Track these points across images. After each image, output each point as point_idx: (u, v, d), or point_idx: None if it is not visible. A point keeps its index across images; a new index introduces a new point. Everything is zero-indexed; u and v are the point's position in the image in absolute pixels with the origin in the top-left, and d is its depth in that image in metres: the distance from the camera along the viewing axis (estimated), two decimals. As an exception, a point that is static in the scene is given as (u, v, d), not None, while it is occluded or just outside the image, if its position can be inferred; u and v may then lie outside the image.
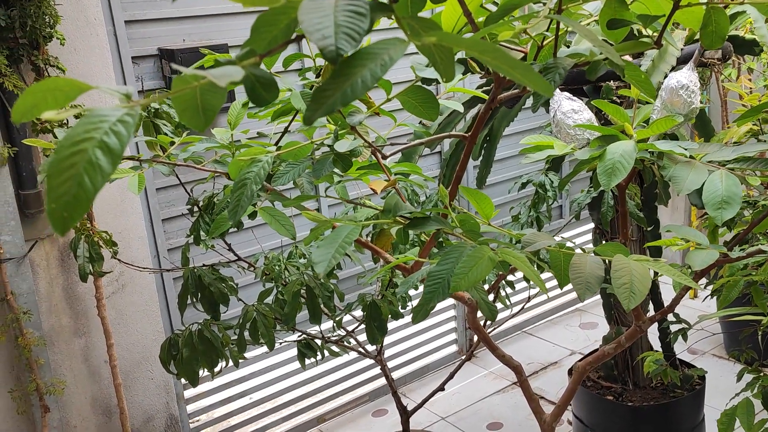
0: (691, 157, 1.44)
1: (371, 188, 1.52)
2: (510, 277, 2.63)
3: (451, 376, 2.51)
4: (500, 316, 4.18)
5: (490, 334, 3.95)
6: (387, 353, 3.69)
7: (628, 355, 2.65)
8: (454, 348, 3.97)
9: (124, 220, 2.53)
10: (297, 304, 1.71)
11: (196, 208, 1.99)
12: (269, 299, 2.10)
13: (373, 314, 1.73)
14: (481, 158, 2.64)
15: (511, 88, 1.19)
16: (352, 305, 1.93)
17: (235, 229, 2.12)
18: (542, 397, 3.54)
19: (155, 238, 2.74)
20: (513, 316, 3.39)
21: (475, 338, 4.06)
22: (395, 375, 3.73)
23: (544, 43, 1.16)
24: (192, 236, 2.23)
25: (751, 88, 2.27)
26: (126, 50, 2.60)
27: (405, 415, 2.36)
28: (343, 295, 1.86)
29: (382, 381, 3.70)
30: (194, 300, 1.81)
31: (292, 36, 0.68)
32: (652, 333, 2.72)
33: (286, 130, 1.47)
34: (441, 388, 2.50)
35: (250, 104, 1.48)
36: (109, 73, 2.46)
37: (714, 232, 1.96)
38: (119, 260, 2.23)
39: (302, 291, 1.71)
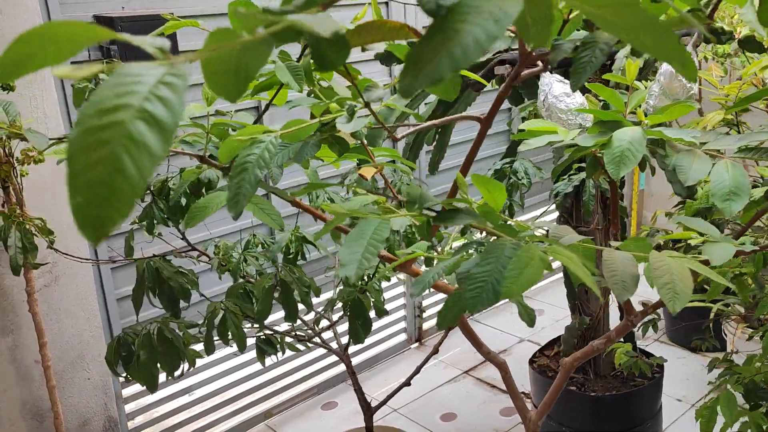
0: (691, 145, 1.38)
1: (360, 174, 1.39)
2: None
3: (417, 371, 2.42)
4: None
5: (429, 324, 3.86)
6: (333, 344, 3.56)
7: (590, 345, 2.63)
8: (403, 337, 3.89)
9: (57, 205, 2.28)
10: (270, 300, 1.55)
11: (148, 193, 1.79)
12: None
13: (356, 311, 1.60)
14: (434, 143, 2.54)
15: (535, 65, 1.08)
16: (334, 301, 1.79)
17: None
18: (494, 386, 3.52)
19: (91, 225, 2.49)
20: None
21: (425, 327, 4.00)
22: (344, 366, 3.61)
23: (570, 16, 1.06)
24: (137, 224, 2.03)
25: (721, 76, 2.27)
26: (57, 16, 2.33)
27: (369, 412, 2.25)
28: (319, 290, 1.71)
29: (331, 373, 3.57)
30: (150, 296, 1.62)
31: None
32: (609, 323, 2.71)
33: (267, 107, 1.31)
34: (407, 383, 2.40)
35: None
36: (40, 40, 2.19)
37: (691, 223, 1.93)
38: (56, 250, 2.00)
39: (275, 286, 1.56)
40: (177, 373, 1.61)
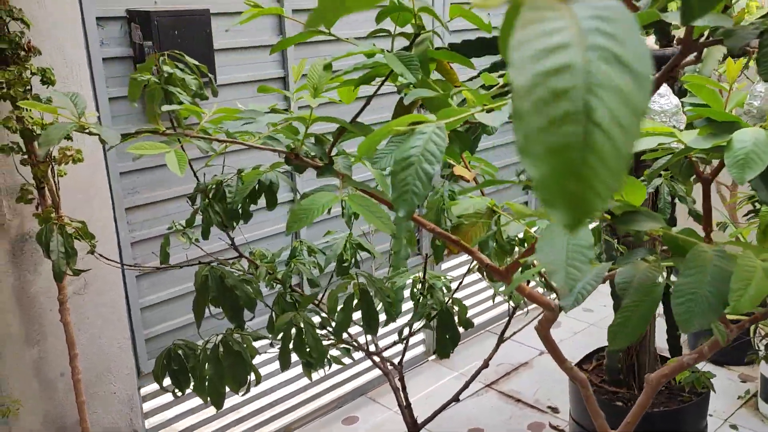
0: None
1: (459, 175, 1.30)
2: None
3: (466, 386, 2.31)
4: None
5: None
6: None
7: (635, 359, 2.56)
8: (421, 348, 3.78)
9: (90, 208, 2.15)
10: (350, 311, 1.45)
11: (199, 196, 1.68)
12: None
13: (445, 322, 1.50)
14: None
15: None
16: (423, 313, 1.68)
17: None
18: (519, 400, 3.42)
19: (118, 230, 2.36)
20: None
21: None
22: (365, 378, 3.50)
23: None
24: (178, 228, 1.92)
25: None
26: (90, 8, 2.21)
27: (415, 428, 2.14)
28: (398, 301, 1.61)
29: (350, 386, 3.46)
30: (211, 305, 1.50)
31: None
32: (655, 335, 2.63)
33: (369, 100, 1.21)
34: (456, 399, 2.30)
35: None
36: (77, 31, 2.08)
37: (766, 232, 1.86)
38: (101, 256, 1.86)
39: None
40: (242, 390, 1.50)
